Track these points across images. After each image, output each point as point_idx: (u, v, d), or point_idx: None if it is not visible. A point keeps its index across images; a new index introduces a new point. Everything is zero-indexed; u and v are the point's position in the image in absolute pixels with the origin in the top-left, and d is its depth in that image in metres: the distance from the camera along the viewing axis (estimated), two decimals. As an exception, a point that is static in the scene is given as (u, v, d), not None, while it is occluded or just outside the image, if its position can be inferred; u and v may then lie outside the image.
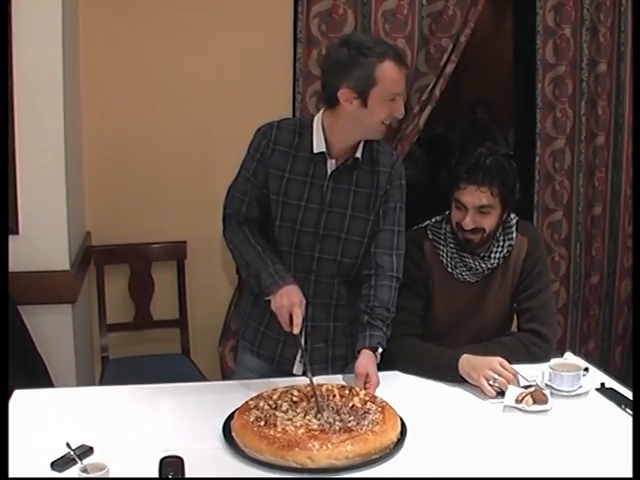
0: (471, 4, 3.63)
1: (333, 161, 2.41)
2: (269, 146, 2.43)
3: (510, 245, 2.66)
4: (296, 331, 2.28)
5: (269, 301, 2.36)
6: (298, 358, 2.51)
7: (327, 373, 2.49)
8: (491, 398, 2.31)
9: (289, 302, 2.29)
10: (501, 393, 2.30)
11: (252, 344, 2.60)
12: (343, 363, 2.54)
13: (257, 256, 2.41)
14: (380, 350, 2.37)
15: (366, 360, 2.33)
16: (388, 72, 2.27)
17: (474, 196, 2.52)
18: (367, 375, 2.29)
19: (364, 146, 2.43)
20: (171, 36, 3.55)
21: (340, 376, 2.42)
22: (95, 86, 3.51)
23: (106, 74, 3.52)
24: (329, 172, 2.42)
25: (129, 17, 3.50)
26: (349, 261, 2.48)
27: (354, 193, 2.44)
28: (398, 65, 2.29)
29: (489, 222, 2.56)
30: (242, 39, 3.58)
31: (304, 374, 2.37)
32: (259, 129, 2.48)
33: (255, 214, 2.49)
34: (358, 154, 2.42)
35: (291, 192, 2.42)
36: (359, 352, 2.35)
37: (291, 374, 2.51)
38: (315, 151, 2.40)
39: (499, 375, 2.33)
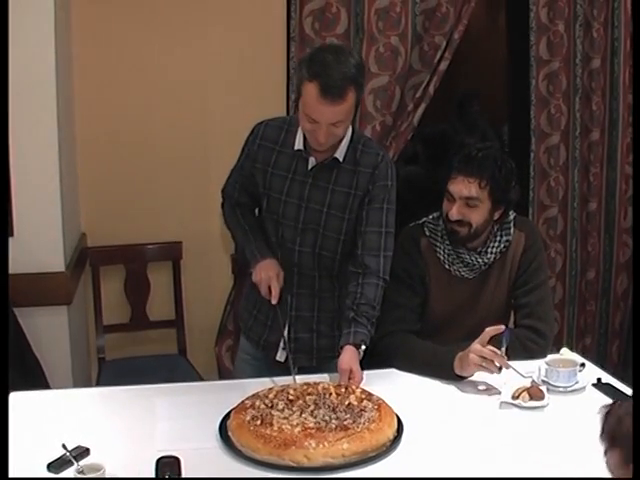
0: (464, 1, 3.61)
1: (313, 158, 2.46)
2: (255, 142, 2.54)
3: (507, 241, 2.66)
4: (274, 301, 2.47)
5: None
6: (281, 344, 2.58)
7: (312, 363, 2.58)
8: (496, 374, 2.34)
9: (267, 275, 2.48)
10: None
11: (245, 325, 2.74)
12: (329, 355, 2.54)
13: (244, 234, 2.63)
14: (363, 347, 2.39)
15: (349, 356, 2.34)
16: (307, 93, 2.26)
17: (461, 186, 2.54)
18: (351, 371, 2.30)
19: (349, 146, 2.45)
20: (165, 36, 3.53)
21: (326, 375, 2.42)
22: (89, 87, 3.49)
23: (100, 75, 3.51)
24: (309, 169, 2.47)
25: (122, 16, 3.49)
26: (328, 254, 2.53)
27: (332, 191, 2.47)
28: (319, 94, 2.22)
29: (476, 216, 2.56)
30: (235, 38, 3.57)
31: (287, 361, 2.48)
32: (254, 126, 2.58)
33: (245, 200, 2.67)
34: (337, 154, 2.44)
35: (274, 186, 2.52)
36: (342, 348, 2.37)
37: (275, 360, 2.60)
38: (295, 148, 2.46)
39: (482, 361, 2.32)
